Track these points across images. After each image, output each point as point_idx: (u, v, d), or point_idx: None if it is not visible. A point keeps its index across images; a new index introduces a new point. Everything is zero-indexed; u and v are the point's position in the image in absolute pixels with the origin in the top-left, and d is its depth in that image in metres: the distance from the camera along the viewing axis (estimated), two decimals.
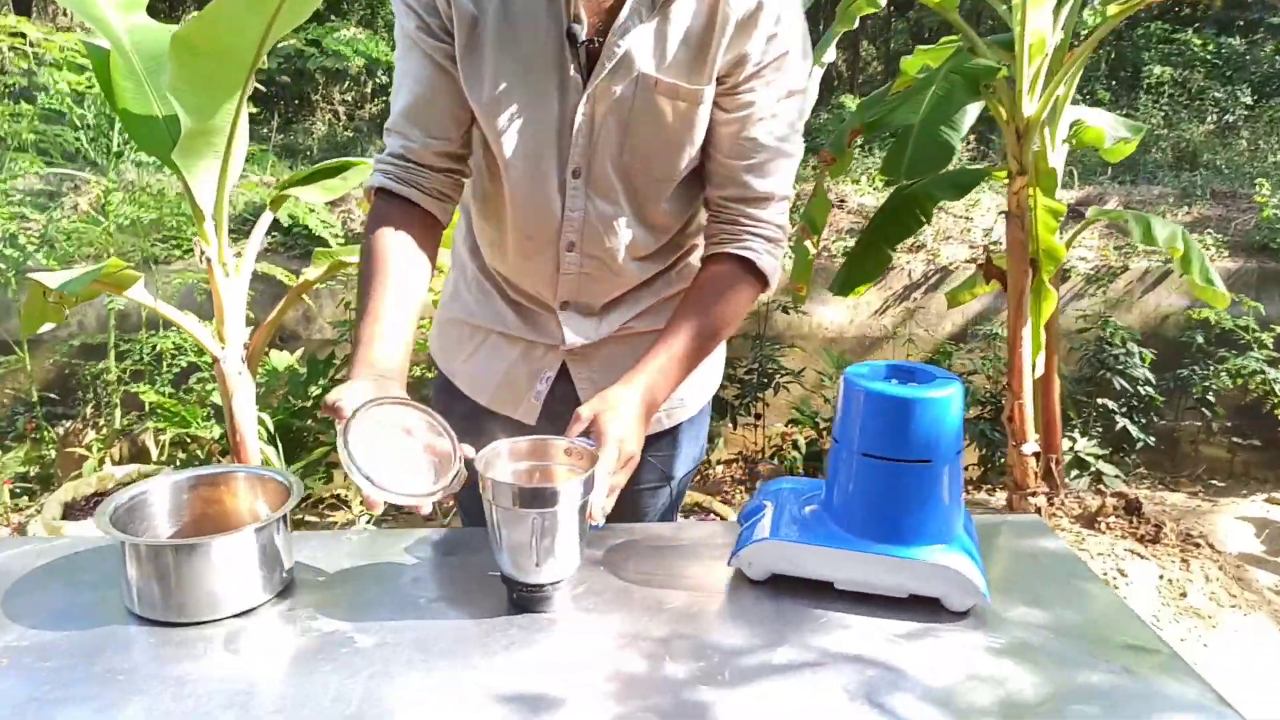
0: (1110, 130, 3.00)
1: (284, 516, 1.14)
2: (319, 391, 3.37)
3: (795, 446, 3.20)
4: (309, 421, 3.30)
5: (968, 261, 4.59)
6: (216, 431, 3.09)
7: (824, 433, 3.31)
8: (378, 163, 1.32)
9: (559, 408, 1.44)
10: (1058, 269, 2.76)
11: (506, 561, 1.10)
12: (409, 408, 1.11)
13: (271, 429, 3.03)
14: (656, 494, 1.50)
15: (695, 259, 1.42)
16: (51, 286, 1.79)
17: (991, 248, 4.60)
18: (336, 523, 2.97)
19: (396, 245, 1.25)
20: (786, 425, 3.33)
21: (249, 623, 1.10)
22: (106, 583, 1.16)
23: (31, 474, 3.30)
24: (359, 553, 1.26)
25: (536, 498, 1.06)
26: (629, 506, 1.54)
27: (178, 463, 3.25)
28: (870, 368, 1.17)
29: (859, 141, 2.70)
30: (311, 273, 2.36)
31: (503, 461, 1.16)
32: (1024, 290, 2.63)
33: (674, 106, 1.23)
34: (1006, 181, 2.69)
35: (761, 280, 1.31)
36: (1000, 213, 4.77)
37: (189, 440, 3.28)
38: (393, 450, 1.09)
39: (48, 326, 2.13)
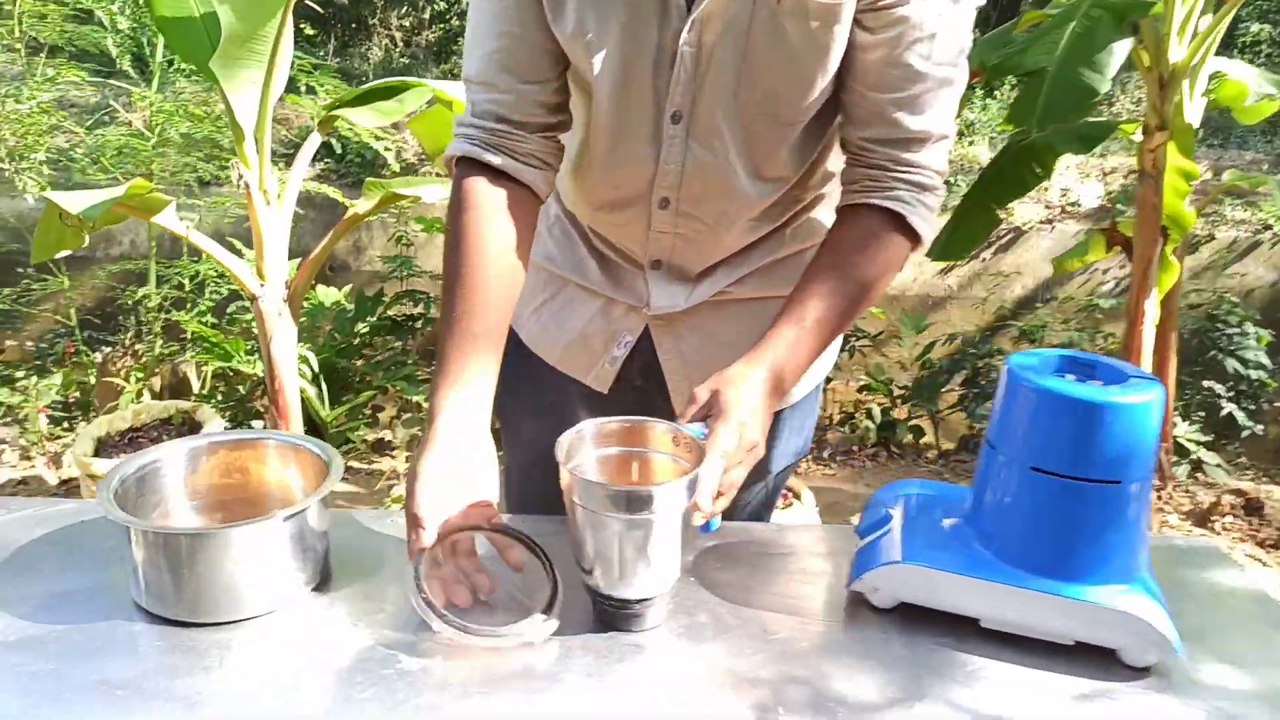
0: (1254, 86, 2.66)
1: (321, 500, 0.95)
2: (366, 329, 3.20)
3: (869, 415, 2.98)
4: (355, 361, 3.14)
5: (1043, 223, 4.29)
6: (260, 366, 2.94)
7: (897, 400, 3.09)
8: (459, 126, 1.09)
9: (636, 380, 1.25)
10: (1185, 239, 2.47)
11: (590, 570, 0.91)
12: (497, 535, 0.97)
13: (315, 368, 2.88)
14: (749, 490, 1.30)
15: (819, 214, 1.20)
16: (69, 209, 1.61)
17: (1070, 206, 4.28)
18: (383, 472, 2.82)
19: (490, 241, 1.04)
20: (859, 391, 3.11)
21: (273, 629, 0.92)
22: (114, 561, 0.99)
23: (71, 400, 3.19)
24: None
25: (631, 501, 0.86)
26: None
27: (219, 396, 3.12)
28: (1039, 359, 0.95)
29: (975, 86, 2.43)
30: (362, 205, 2.16)
31: (587, 449, 0.97)
32: (1152, 259, 2.36)
33: (803, 28, 1.00)
34: (1136, 136, 2.40)
35: (913, 237, 1.07)
36: (1103, 174, 4.42)
37: (231, 374, 3.14)
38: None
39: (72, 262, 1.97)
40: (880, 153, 1.05)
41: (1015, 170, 2.18)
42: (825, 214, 1.20)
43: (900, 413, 3.12)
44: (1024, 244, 4.29)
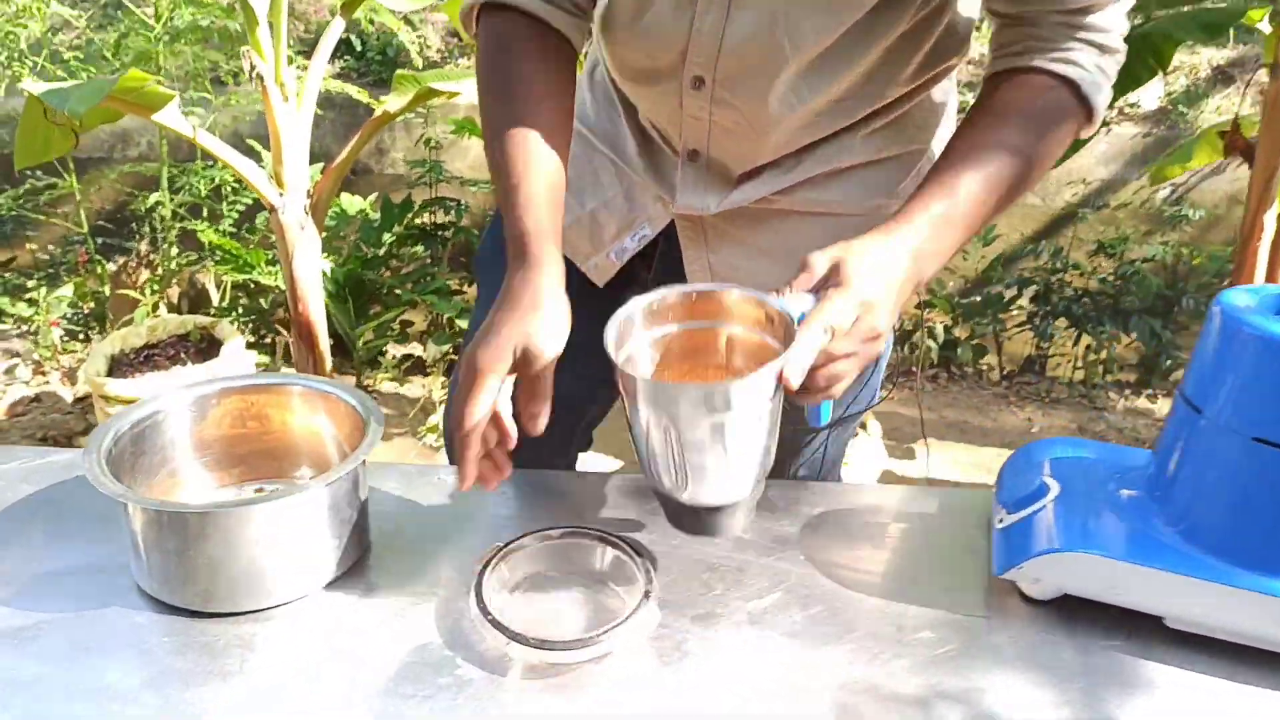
0: None
1: (359, 466, 0.78)
2: (392, 239, 3.00)
3: (930, 334, 2.79)
4: (382, 273, 2.95)
5: (1115, 121, 3.98)
6: (282, 279, 2.77)
7: (959, 318, 2.89)
8: None
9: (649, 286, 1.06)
10: None
11: (654, 474, 0.75)
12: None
13: (340, 281, 2.70)
14: (796, 445, 1.14)
15: (908, 117, 0.97)
16: (54, 105, 1.41)
17: (1129, 107, 3.96)
18: (415, 399, 2.66)
19: (539, 84, 0.87)
20: (916, 308, 2.91)
21: (302, 621, 0.76)
22: (113, 532, 0.83)
23: (86, 311, 3.04)
24: (458, 503, 0.91)
25: (697, 401, 0.68)
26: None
27: (239, 310, 2.95)
28: (1256, 296, 0.75)
29: None
30: (393, 102, 1.93)
31: (638, 332, 0.77)
32: (1278, 167, 2.11)
33: None
34: (1263, 26, 2.12)
35: (1086, 109, 0.85)
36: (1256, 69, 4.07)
37: (252, 286, 2.97)
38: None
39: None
40: (1049, 11, 0.83)
41: (1127, 64, 1.91)
42: (919, 118, 0.98)
43: (961, 331, 2.91)
44: (1088, 149, 3.99)
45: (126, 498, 0.71)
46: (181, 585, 0.75)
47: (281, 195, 1.82)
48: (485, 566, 0.77)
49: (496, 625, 0.71)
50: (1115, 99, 2.28)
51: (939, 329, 2.79)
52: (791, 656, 0.73)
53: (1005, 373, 3.00)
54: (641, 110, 1.01)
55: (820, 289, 0.75)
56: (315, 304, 2.01)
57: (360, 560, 0.82)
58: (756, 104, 0.90)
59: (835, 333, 0.72)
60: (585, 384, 1.10)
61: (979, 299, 2.99)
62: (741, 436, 0.70)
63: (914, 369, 2.88)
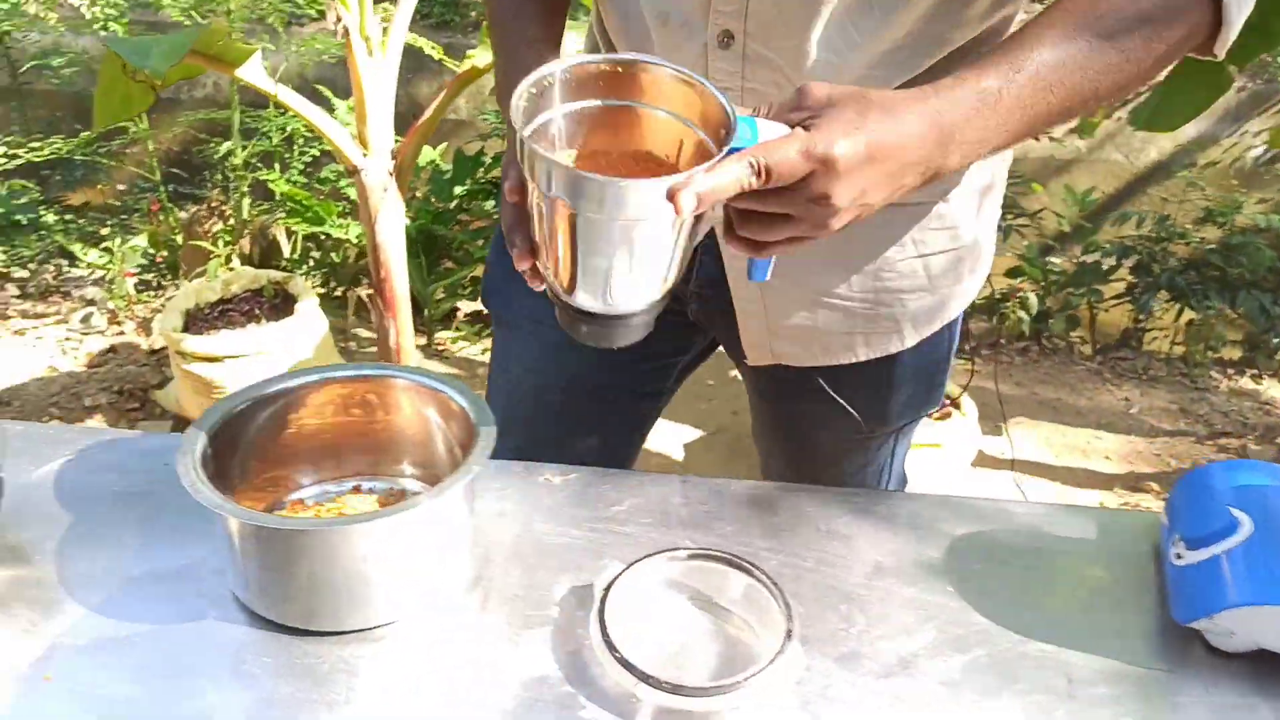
0: None
1: (470, 480, 0.71)
2: (464, 192, 2.93)
3: (1023, 304, 2.65)
4: (453, 228, 2.88)
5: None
6: (354, 232, 2.72)
7: (1052, 287, 2.74)
8: None
9: (691, 284, 0.96)
10: None
11: (544, 267, 0.66)
12: None
13: (413, 237, 2.63)
14: (862, 448, 1.06)
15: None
16: (135, 62, 1.34)
17: None
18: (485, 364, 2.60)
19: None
20: (1006, 275, 2.77)
21: (412, 645, 0.70)
22: (207, 531, 0.78)
23: (159, 260, 3.02)
24: (565, 507, 0.84)
25: (591, 194, 0.58)
26: (818, 455, 1.08)
27: (310, 263, 2.92)
28: None
29: None
30: (480, 57, 1.83)
31: (555, 102, 0.65)
32: None
33: None
34: None
35: (1213, 17, 0.67)
36: None
37: (323, 238, 2.93)
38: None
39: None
40: None
41: (1260, 18, 1.73)
42: None
43: (1054, 302, 2.77)
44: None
45: (226, 510, 0.65)
46: (283, 601, 0.69)
47: (365, 156, 1.75)
48: (607, 592, 0.70)
49: (626, 665, 0.64)
50: (1249, 60, 2.07)
51: (1031, 299, 2.65)
52: (952, 713, 0.66)
53: (1098, 346, 2.85)
54: None
55: (802, 120, 0.61)
56: (398, 270, 1.94)
57: (469, 574, 0.76)
58: (796, 57, 0.76)
59: (770, 176, 0.58)
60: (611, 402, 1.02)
61: (1072, 268, 2.83)
62: (639, 246, 0.61)
63: (1000, 339, 2.75)
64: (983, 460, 2.21)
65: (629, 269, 0.62)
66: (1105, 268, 2.77)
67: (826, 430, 1.04)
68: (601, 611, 0.68)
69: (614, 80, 0.64)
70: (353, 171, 1.77)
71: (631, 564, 0.72)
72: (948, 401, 2.05)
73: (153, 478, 0.86)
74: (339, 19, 1.62)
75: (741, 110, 0.60)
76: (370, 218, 1.85)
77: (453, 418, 0.79)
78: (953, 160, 0.64)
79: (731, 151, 0.58)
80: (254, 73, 1.66)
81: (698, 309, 0.99)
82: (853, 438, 1.04)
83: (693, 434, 2.35)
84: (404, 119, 1.96)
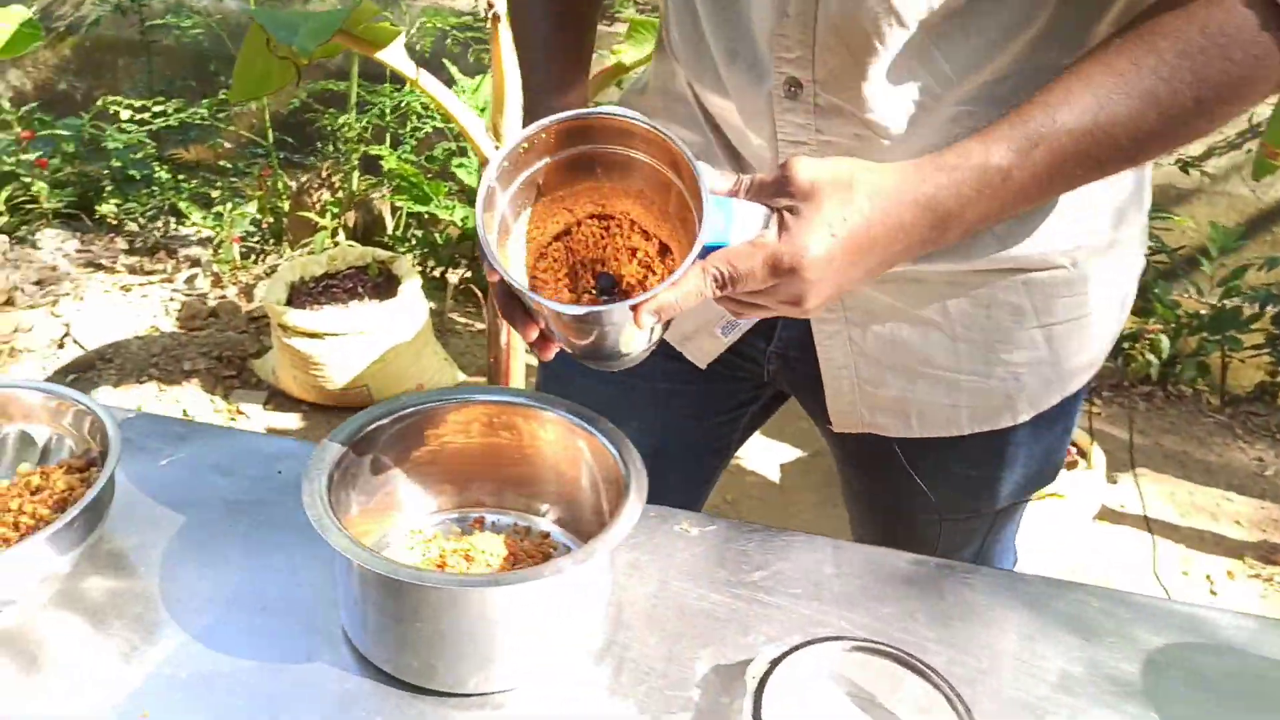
0: None
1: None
2: None
3: (1153, 348, 2.47)
4: None
5: None
6: (459, 214, 2.68)
7: (1183, 330, 2.56)
8: None
9: (772, 356, 0.87)
10: None
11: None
12: None
13: None
14: (964, 529, 0.94)
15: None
16: (281, 39, 1.30)
17: None
18: None
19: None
20: (1134, 314, 2.60)
21: (535, 712, 0.63)
22: (325, 552, 0.71)
23: (265, 226, 3.03)
24: (701, 563, 0.75)
25: (573, 320, 0.61)
26: (914, 532, 0.96)
27: (413, 241, 2.89)
28: None
29: None
30: (627, 54, 1.72)
31: (499, 196, 0.64)
32: None
33: None
34: None
35: None
36: None
37: (426, 218, 2.90)
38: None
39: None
40: None
41: None
42: None
43: (1184, 345, 2.59)
44: None
45: (355, 555, 0.58)
46: (400, 654, 0.63)
47: (497, 149, 1.67)
48: (762, 684, 0.61)
49: None
50: None
51: (1163, 341, 2.48)
52: None
53: (1227, 398, 2.66)
54: (734, 140, 0.78)
55: (780, 195, 0.58)
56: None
57: (601, 639, 0.68)
58: (875, 104, 0.66)
59: (735, 286, 0.58)
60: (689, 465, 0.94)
61: (1203, 309, 2.65)
62: (617, 335, 0.62)
63: (1124, 383, 2.58)
64: (1105, 514, 2.06)
65: (616, 345, 0.63)
66: (1245, 314, 2.58)
67: (921, 506, 0.92)
68: (757, 708, 0.60)
69: (599, 130, 0.63)
70: (484, 164, 1.70)
71: (787, 653, 0.64)
72: (1075, 450, 1.91)
73: (266, 485, 0.81)
74: (490, 4, 1.55)
75: (721, 182, 0.59)
76: None
77: (598, 459, 0.71)
78: (951, 238, 0.60)
79: (704, 249, 0.57)
80: (396, 55, 1.60)
81: (777, 369, 0.89)
82: (953, 516, 0.94)
83: (791, 454, 2.25)
84: None
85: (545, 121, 0.62)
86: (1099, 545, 2.00)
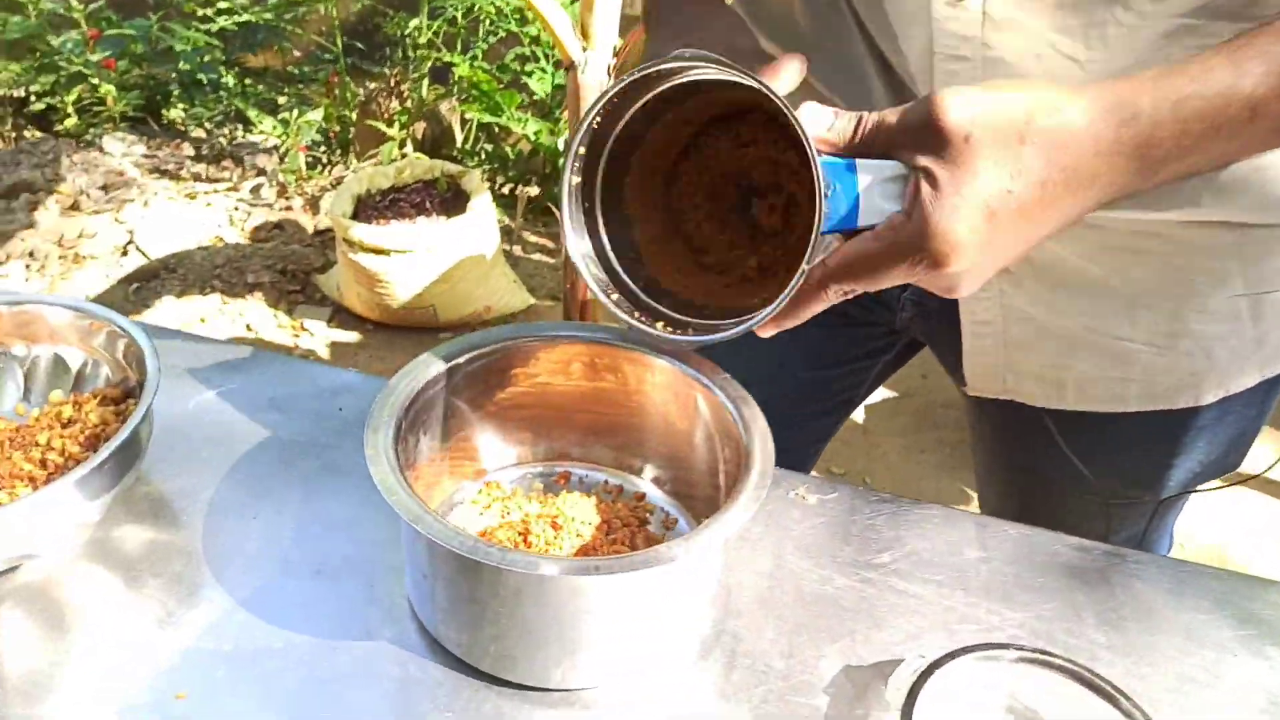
0: None
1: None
2: None
3: None
4: None
5: None
6: (531, 128, 2.54)
7: None
8: None
9: (906, 307, 0.77)
10: None
11: None
12: None
13: None
14: (1118, 515, 0.80)
15: None
16: None
17: None
18: None
19: None
20: None
21: (633, 714, 0.53)
22: (383, 507, 0.62)
23: (331, 136, 2.93)
24: (840, 540, 0.64)
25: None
26: (1056, 513, 0.83)
27: (483, 155, 2.76)
28: None
29: None
30: None
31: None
32: None
33: None
34: None
35: None
36: None
37: (497, 130, 2.77)
38: None
39: None
40: None
41: None
42: None
43: None
44: None
45: (431, 532, 0.48)
46: (474, 638, 0.53)
47: (585, 50, 1.52)
48: (911, 701, 0.50)
49: None
50: None
51: None
52: None
53: None
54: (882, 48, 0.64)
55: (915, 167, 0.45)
56: None
57: (708, 627, 0.58)
58: (1062, 12, 0.52)
59: (864, 289, 0.48)
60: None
61: None
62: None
63: None
64: None
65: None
66: None
67: (1073, 480, 0.79)
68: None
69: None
70: (568, 66, 1.55)
71: (941, 660, 0.52)
72: None
73: (324, 424, 0.71)
74: None
75: (836, 124, 0.47)
76: (580, 117, 1.65)
77: (715, 416, 0.59)
78: (1159, 183, 0.46)
79: (825, 231, 0.46)
80: None
81: (912, 316, 0.77)
82: (1108, 502, 0.80)
83: (877, 394, 2.12)
84: (628, 20, 1.74)
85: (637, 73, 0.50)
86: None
